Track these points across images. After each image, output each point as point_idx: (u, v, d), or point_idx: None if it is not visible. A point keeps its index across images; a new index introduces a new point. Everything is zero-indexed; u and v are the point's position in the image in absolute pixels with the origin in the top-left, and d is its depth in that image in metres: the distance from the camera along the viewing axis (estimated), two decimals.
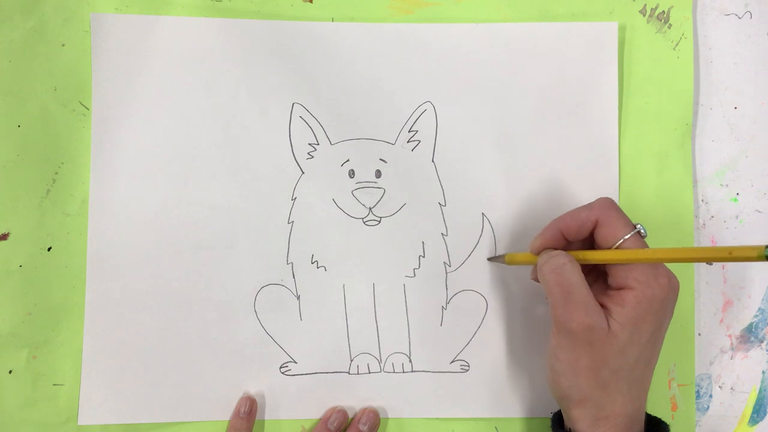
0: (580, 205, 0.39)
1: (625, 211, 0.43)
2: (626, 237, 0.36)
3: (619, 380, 0.36)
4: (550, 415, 0.42)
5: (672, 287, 0.37)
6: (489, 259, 0.45)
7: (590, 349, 0.36)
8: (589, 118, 0.46)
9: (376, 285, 0.45)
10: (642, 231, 0.37)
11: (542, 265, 0.38)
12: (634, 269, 0.36)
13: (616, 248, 0.37)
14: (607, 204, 0.38)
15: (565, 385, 0.37)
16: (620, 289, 0.37)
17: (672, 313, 0.38)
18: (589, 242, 0.39)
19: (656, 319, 0.36)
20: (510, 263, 0.43)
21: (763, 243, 0.32)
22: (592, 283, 0.41)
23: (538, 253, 0.40)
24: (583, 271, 0.40)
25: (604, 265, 0.38)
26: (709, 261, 0.34)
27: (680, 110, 0.46)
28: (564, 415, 0.39)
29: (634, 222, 0.38)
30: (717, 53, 0.47)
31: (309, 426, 0.45)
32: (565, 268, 0.37)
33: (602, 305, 0.37)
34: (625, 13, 0.46)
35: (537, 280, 0.40)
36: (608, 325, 0.36)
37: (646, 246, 0.37)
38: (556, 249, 0.39)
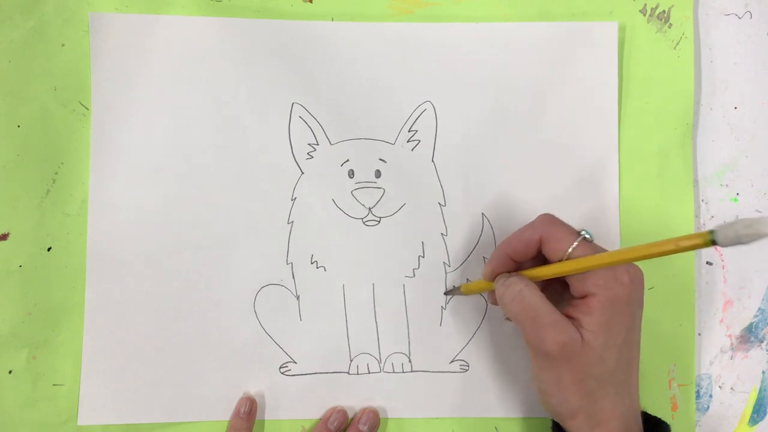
0: (525, 225, 0.39)
1: (624, 212, 0.43)
2: (573, 246, 0.36)
3: (605, 386, 0.36)
4: (550, 416, 0.42)
5: (634, 281, 0.36)
6: (445, 293, 0.45)
7: (570, 365, 0.35)
8: (589, 117, 0.46)
9: (375, 285, 0.45)
10: (587, 236, 0.37)
11: (501, 295, 0.38)
12: (591, 275, 0.36)
13: (566, 259, 0.36)
14: (547, 219, 0.38)
15: (554, 403, 0.37)
16: (583, 297, 0.36)
17: (641, 305, 0.38)
18: (541, 259, 0.39)
19: (626, 318, 0.36)
20: (467, 293, 0.43)
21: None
22: (556, 297, 0.40)
23: (491, 280, 0.40)
24: (544, 288, 0.39)
25: (563, 277, 0.38)
26: (657, 255, 0.33)
27: (680, 110, 0.46)
28: (561, 425, 0.39)
29: (578, 229, 0.37)
30: (717, 53, 0.47)
31: (309, 426, 0.45)
32: (524, 293, 0.37)
33: (570, 317, 0.36)
34: (625, 13, 0.46)
35: (496, 304, 0.40)
36: (581, 336, 0.35)
37: (597, 249, 0.37)
38: (508, 273, 0.39)
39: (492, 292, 0.40)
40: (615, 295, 0.36)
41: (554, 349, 0.35)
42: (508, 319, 0.40)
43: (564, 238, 0.37)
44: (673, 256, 0.45)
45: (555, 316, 0.36)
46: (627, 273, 0.36)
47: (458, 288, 0.44)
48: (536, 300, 0.36)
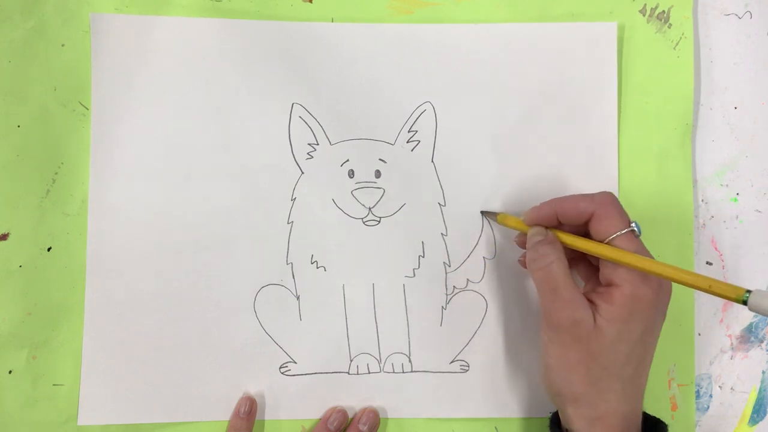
0: (583, 194, 0.40)
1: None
2: (619, 233, 0.37)
3: (611, 378, 0.36)
4: (549, 415, 0.42)
5: (663, 289, 0.37)
6: (482, 212, 0.45)
7: (578, 345, 0.36)
8: (589, 118, 0.46)
9: (375, 285, 0.45)
10: (636, 229, 0.37)
11: (531, 259, 0.39)
12: (622, 266, 0.36)
13: (607, 243, 0.37)
14: (608, 198, 0.38)
15: (557, 381, 0.37)
16: (609, 285, 0.37)
17: (664, 314, 0.38)
18: (582, 230, 0.39)
19: (646, 319, 0.36)
20: (501, 223, 0.43)
21: (745, 286, 0.33)
22: (586, 279, 0.41)
23: (530, 225, 0.40)
24: (578, 268, 0.41)
25: (596, 261, 0.39)
26: (688, 286, 0.35)
27: (680, 110, 0.46)
28: (560, 415, 0.39)
29: (631, 220, 0.38)
30: (717, 53, 0.47)
31: (309, 426, 0.45)
32: (552, 266, 0.38)
33: (591, 301, 0.37)
34: (625, 13, 0.46)
35: (522, 246, 0.42)
36: (594, 320, 0.36)
37: (640, 245, 0.37)
38: (545, 228, 0.40)
39: (520, 234, 0.42)
40: (640, 294, 0.36)
41: (565, 324, 0.36)
42: (521, 245, 0.43)
43: (615, 223, 0.37)
44: (672, 254, 0.46)
45: (574, 294, 0.37)
46: (658, 279, 0.37)
47: (495, 214, 0.44)
48: (561, 274, 0.37)
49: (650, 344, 0.38)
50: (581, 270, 0.42)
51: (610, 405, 0.36)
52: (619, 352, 0.36)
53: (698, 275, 0.35)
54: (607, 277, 0.37)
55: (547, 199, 0.40)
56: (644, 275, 0.36)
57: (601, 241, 0.38)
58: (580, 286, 0.41)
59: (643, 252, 0.37)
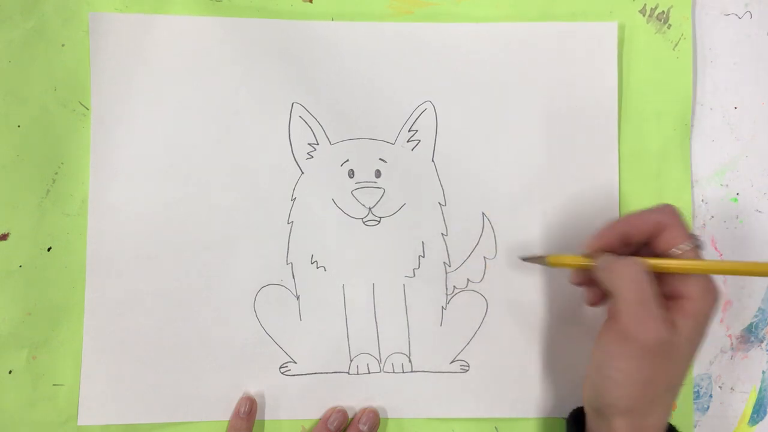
0: (644, 209, 0.38)
1: (624, 212, 0.43)
2: (688, 245, 0.36)
3: (668, 393, 0.36)
4: (551, 416, 0.42)
5: (718, 299, 0.36)
6: (524, 259, 0.43)
7: (656, 362, 0.34)
8: (589, 117, 0.46)
9: (375, 285, 0.45)
10: (700, 241, 0.37)
11: (618, 270, 0.36)
12: (691, 280, 0.35)
13: (678, 255, 0.36)
14: (672, 208, 0.37)
15: (617, 395, 0.35)
16: (678, 298, 0.36)
17: None
18: (638, 251, 0.38)
19: (705, 332, 0.36)
20: (554, 265, 0.41)
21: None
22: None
23: (593, 252, 0.38)
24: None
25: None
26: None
27: (679, 111, 0.46)
28: (593, 422, 0.38)
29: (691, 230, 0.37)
30: (717, 53, 0.47)
31: (309, 426, 0.45)
32: (644, 278, 0.35)
33: (668, 319, 0.35)
34: (625, 13, 0.46)
35: (579, 284, 0.39)
36: (673, 339, 0.35)
37: (700, 254, 0.36)
38: (615, 254, 0.37)
39: (576, 270, 0.39)
40: (710, 306, 0.35)
41: (651, 341, 0.34)
42: (578, 284, 0.39)
43: (682, 234, 0.36)
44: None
45: (661, 313, 0.35)
46: (717, 289, 0.36)
47: (543, 258, 0.41)
48: (648, 290, 0.35)
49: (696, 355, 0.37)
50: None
51: (656, 416, 0.36)
52: (686, 368, 0.36)
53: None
54: (678, 290, 0.36)
55: (604, 226, 0.38)
56: (709, 287, 0.35)
57: (666, 253, 0.36)
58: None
59: (705, 258, 0.36)
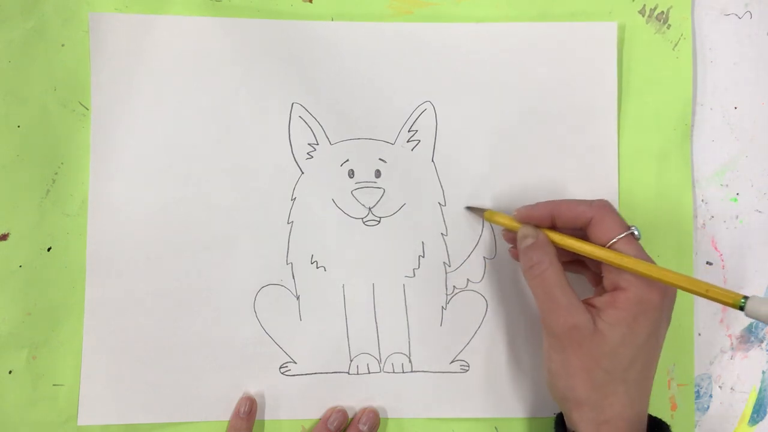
0: (581, 199, 0.40)
1: (624, 212, 0.43)
2: (620, 236, 0.37)
3: (614, 382, 0.36)
4: (550, 416, 0.42)
5: (668, 294, 0.37)
6: (467, 208, 0.45)
7: (579, 350, 0.36)
8: (589, 118, 0.46)
9: (375, 285, 0.45)
10: (636, 233, 0.38)
11: (527, 266, 0.39)
12: (625, 271, 0.36)
13: (608, 247, 0.37)
14: (605, 204, 0.39)
15: (561, 386, 0.37)
16: (614, 290, 0.37)
17: (669, 318, 0.38)
18: (577, 236, 0.39)
19: (651, 323, 0.36)
20: (489, 220, 0.43)
21: (745, 287, 0.33)
22: (594, 284, 0.41)
23: (521, 221, 0.40)
24: (587, 274, 0.41)
25: (600, 268, 0.39)
26: (685, 290, 0.35)
27: (679, 110, 0.46)
28: (566, 418, 0.39)
29: (629, 224, 0.38)
30: (717, 53, 0.47)
31: (309, 426, 0.45)
32: (547, 272, 0.38)
33: (593, 306, 0.37)
34: (625, 13, 0.46)
35: (510, 242, 0.43)
36: (594, 324, 0.36)
37: (640, 249, 0.37)
38: (536, 227, 0.40)
39: (514, 245, 0.42)
40: (646, 297, 0.36)
41: (564, 330, 0.36)
42: (514, 256, 0.43)
43: (615, 227, 0.37)
44: (672, 253, 0.46)
45: (571, 299, 0.37)
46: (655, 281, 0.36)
47: (482, 210, 0.44)
48: (556, 280, 0.37)
49: (655, 348, 0.37)
50: (589, 276, 0.42)
51: (615, 409, 0.36)
52: (623, 355, 0.36)
53: (696, 280, 0.35)
54: (612, 281, 0.37)
55: (542, 201, 0.40)
56: (643, 280, 0.36)
57: (601, 246, 0.37)
58: (590, 292, 0.42)
59: (644, 256, 0.37)
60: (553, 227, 0.40)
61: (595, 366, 0.36)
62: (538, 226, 0.40)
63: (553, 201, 0.40)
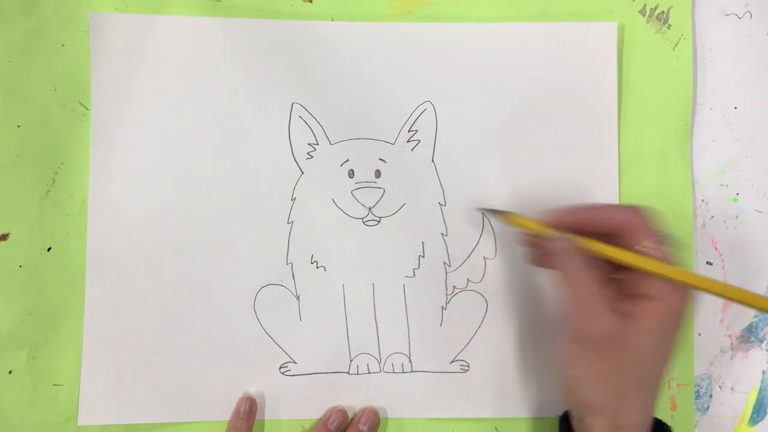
0: (614, 204, 0.39)
1: None
2: (653, 243, 0.36)
3: (637, 389, 0.36)
4: (551, 416, 0.42)
5: (690, 300, 0.36)
6: (481, 210, 0.44)
7: (608, 357, 0.35)
8: (589, 118, 0.46)
9: (375, 285, 0.45)
10: (671, 239, 0.37)
11: (562, 276, 0.37)
12: (656, 277, 0.35)
13: (641, 254, 0.36)
14: (637, 209, 0.37)
15: (583, 393, 0.36)
16: (643, 297, 0.36)
17: (686, 324, 0.38)
18: (606, 242, 0.38)
19: (676, 330, 0.36)
20: (509, 223, 0.41)
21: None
22: (604, 286, 0.40)
23: (550, 226, 0.38)
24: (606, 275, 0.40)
25: (625, 273, 0.37)
26: (723, 298, 0.35)
27: (679, 111, 0.46)
28: (576, 421, 0.38)
29: (663, 231, 0.37)
30: (717, 53, 0.47)
31: (309, 426, 0.45)
32: (581, 275, 0.36)
33: (625, 312, 0.36)
34: (625, 13, 0.46)
35: (529, 246, 0.40)
36: (628, 334, 0.35)
37: (674, 256, 0.36)
38: (568, 233, 0.38)
39: (532, 243, 0.40)
40: (677, 306, 0.35)
41: (592, 336, 0.35)
42: (533, 264, 0.41)
43: (647, 233, 0.36)
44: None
45: (602, 306, 0.35)
46: (687, 289, 0.36)
47: (498, 213, 0.42)
48: (590, 285, 0.36)
49: (672, 353, 0.37)
50: (614, 282, 0.40)
51: (632, 415, 0.36)
52: (647, 362, 0.35)
53: (734, 288, 0.34)
54: (641, 289, 0.36)
55: (567, 204, 0.39)
56: (678, 287, 0.35)
57: (633, 252, 0.36)
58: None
59: (679, 264, 0.36)
60: (581, 232, 0.38)
61: (620, 374, 0.35)
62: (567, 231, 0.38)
63: (582, 205, 0.38)
